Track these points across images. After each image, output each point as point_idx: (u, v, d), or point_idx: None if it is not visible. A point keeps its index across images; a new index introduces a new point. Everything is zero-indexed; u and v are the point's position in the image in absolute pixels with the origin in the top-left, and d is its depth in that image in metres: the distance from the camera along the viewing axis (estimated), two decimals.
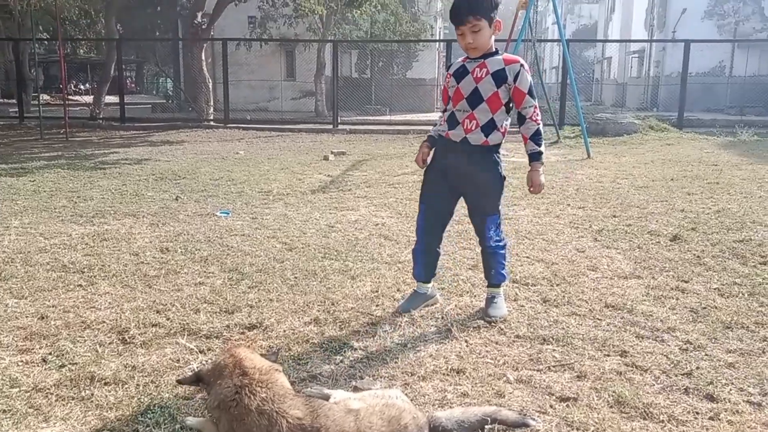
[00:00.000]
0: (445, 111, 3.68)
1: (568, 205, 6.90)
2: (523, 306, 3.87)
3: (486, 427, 2.45)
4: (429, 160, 3.72)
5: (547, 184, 8.06)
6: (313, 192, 7.83)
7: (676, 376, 2.96)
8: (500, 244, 3.70)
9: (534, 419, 2.55)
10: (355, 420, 2.18)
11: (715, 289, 4.14)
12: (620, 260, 4.82)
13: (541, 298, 3.99)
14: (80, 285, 4.24)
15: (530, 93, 3.47)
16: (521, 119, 3.53)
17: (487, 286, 3.82)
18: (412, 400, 2.73)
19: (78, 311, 3.77)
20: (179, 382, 2.55)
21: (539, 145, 3.52)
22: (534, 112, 3.49)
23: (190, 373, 2.42)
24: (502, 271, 3.76)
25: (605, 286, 4.21)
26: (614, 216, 6.31)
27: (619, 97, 25.97)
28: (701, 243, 5.22)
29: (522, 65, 3.46)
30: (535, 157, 3.55)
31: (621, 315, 3.71)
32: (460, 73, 3.54)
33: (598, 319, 3.66)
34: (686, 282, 4.28)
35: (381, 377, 2.97)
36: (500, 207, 3.65)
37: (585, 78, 29.93)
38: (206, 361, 2.53)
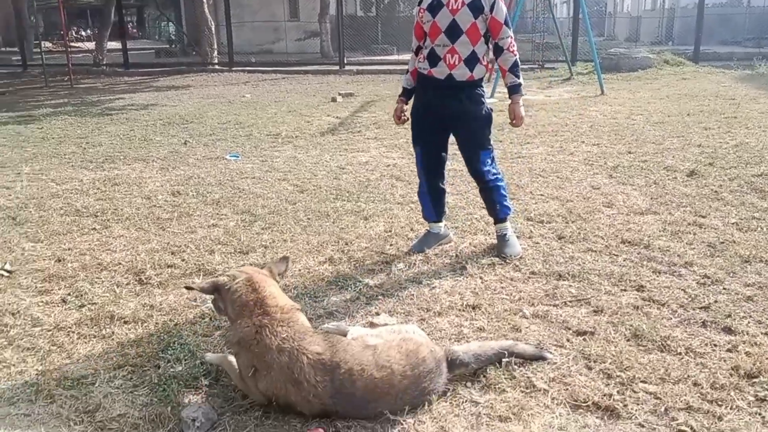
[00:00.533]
0: (419, 48, 3.60)
1: (582, 142, 6.79)
2: (538, 243, 3.85)
3: (503, 360, 2.47)
4: (407, 114, 3.74)
5: (560, 122, 8.01)
6: (322, 134, 7.74)
7: (694, 309, 2.95)
8: (498, 176, 3.68)
9: (550, 352, 2.56)
10: (373, 354, 2.19)
11: (733, 223, 4.09)
12: (636, 196, 4.76)
13: (556, 235, 3.96)
14: (94, 228, 4.25)
15: (506, 23, 3.43)
16: (498, 50, 3.47)
17: (495, 223, 3.77)
18: (428, 335, 2.75)
19: (94, 254, 3.79)
20: (188, 288, 2.52)
21: (518, 77, 3.51)
22: (511, 42, 3.45)
23: (207, 284, 2.38)
24: (506, 203, 3.73)
25: (621, 222, 4.17)
26: (629, 152, 6.20)
27: (633, 31, 25.20)
28: (719, 178, 5.14)
29: None
30: (515, 90, 3.54)
31: (637, 250, 3.68)
32: (434, 6, 3.44)
33: (614, 254, 3.64)
34: (704, 217, 4.23)
35: (397, 313, 2.98)
36: (491, 141, 3.64)
37: (597, 12, 29.02)
38: (225, 272, 2.50)
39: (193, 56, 19.68)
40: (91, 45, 23.08)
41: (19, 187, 5.30)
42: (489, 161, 3.62)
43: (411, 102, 3.73)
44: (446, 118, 3.57)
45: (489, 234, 3.99)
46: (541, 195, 4.86)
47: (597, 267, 3.46)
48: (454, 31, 3.39)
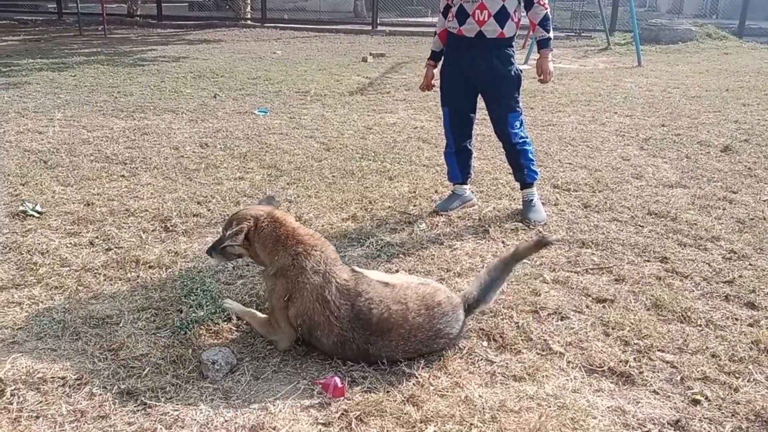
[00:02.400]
0: (447, 8, 3.55)
1: (615, 113, 6.65)
2: (563, 210, 3.81)
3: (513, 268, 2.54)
4: (434, 81, 3.74)
5: (593, 92, 7.84)
6: (351, 94, 7.69)
7: (717, 283, 2.91)
8: (526, 140, 3.64)
9: (552, 236, 3.13)
10: (391, 291, 2.29)
11: (764, 200, 4.00)
12: (666, 169, 4.67)
13: (582, 204, 3.92)
14: (123, 175, 4.31)
15: None
16: (528, 3, 3.45)
17: (521, 188, 3.74)
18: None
19: (122, 200, 3.85)
20: (215, 252, 2.51)
21: (548, 31, 3.47)
22: None
23: (237, 238, 2.36)
24: (534, 168, 3.70)
25: (649, 194, 4.10)
26: (663, 125, 6.06)
27: (676, 2, 24.40)
28: (753, 155, 5.01)
29: None
30: (544, 44, 3.51)
31: (664, 223, 3.63)
32: None
33: (639, 225, 3.59)
34: (735, 193, 4.14)
35: (417, 272, 2.99)
36: (520, 104, 3.59)
37: None
38: (234, 217, 2.52)
39: (226, 11, 19.58)
40: None
41: (51, 132, 5.39)
42: (518, 124, 3.58)
43: (440, 64, 3.69)
44: (475, 79, 3.53)
45: (514, 199, 3.96)
46: (570, 163, 4.80)
47: (621, 237, 3.42)
48: None
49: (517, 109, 3.58)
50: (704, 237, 3.42)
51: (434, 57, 3.74)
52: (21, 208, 3.59)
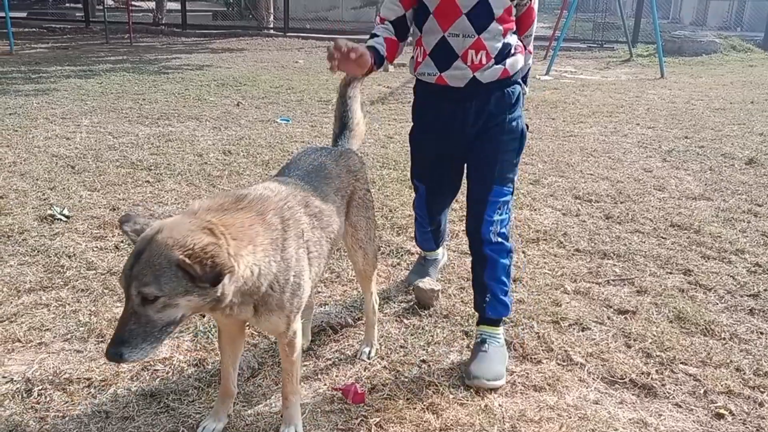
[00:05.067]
0: (400, 25, 2.32)
1: (637, 124, 6.60)
2: (584, 221, 3.80)
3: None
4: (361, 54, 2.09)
5: (615, 103, 7.80)
6: (372, 103, 7.73)
7: (742, 296, 2.88)
8: (504, 244, 2.36)
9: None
10: None
11: None
12: (690, 181, 4.63)
13: (603, 215, 3.90)
14: (147, 181, 4.38)
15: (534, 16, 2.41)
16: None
17: (477, 323, 2.45)
18: (467, 304, 2.77)
19: (146, 205, 3.91)
20: None
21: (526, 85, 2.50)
22: (530, 44, 2.45)
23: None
24: (503, 297, 2.38)
25: (672, 206, 4.07)
26: (686, 137, 6.01)
27: (701, 14, 24.20)
28: None
29: None
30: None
31: (687, 235, 3.60)
32: None
33: (662, 237, 3.56)
34: (760, 206, 4.09)
35: (437, 280, 2.99)
36: (516, 175, 2.46)
37: None
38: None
39: (249, 20, 19.82)
40: (151, 4, 23.46)
41: (78, 138, 5.49)
42: (499, 206, 2.34)
43: (414, 114, 2.56)
44: (464, 142, 2.40)
45: (535, 210, 3.95)
46: (591, 174, 4.77)
47: (644, 248, 3.39)
48: (481, 15, 2.21)
49: (508, 183, 2.38)
50: (728, 250, 3.38)
51: (375, 53, 2.22)
52: (49, 212, 3.67)
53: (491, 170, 2.35)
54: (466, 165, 2.50)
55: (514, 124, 2.36)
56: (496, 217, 2.33)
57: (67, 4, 27.07)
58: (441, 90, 2.32)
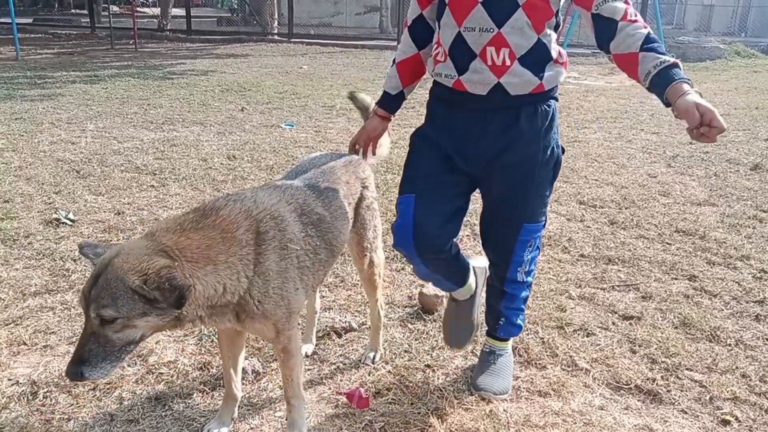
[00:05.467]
0: (421, 26, 2.02)
1: (642, 130, 6.60)
2: (589, 227, 3.79)
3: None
4: (384, 144, 2.23)
5: (620, 108, 7.80)
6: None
7: (747, 303, 2.87)
8: (528, 280, 2.16)
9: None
10: None
11: None
12: (694, 187, 4.62)
13: (608, 220, 3.90)
14: (152, 185, 4.39)
15: None
16: (604, 28, 1.81)
17: (486, 334, 2.32)
18: None
19: (151, 209, 3.92)
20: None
21: (663, 54, 1.76)
22: (628, 5, 1.82)
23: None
24: (518, 321, 2.25)
25: (677, 212, 4.06)
26: (690, 143, 6.00)
27: (705, 20, 24.19)
28: None
29: None
30: (672, 74, 1.73)
31: (692, 241, 3.59)
32: None
33: (667, 243, 3.56)
34: (765, 212, 4.08)
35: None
36: (548, 208, 2.13)
37: None
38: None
39: (253, 26, 19.90)
40: (156, 10, 23.59)
41: (83, 143, 5.51)
42: (530, 245, 2.06)
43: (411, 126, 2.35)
44: (479, 166, 1.97)
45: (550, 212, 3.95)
46: (596, 180, 4.77)
47: (648, 254, 3.39)
48: (502, 1, 1.80)
49: (541, 217, 2.06)
50: (734, 256, 3.37)
51: (387, 103, 2.15)
52: (54, 215, 3.68)
53: (520, 210, 2.00)
54: (481, 191, 2.08)
55: (549, 151, 1.95)
56: (526, 257, 2.07)
57: (73, 11, 27.24)
58: (460, 97, 1.92)
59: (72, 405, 2.09)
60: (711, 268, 3.24)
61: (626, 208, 4.12)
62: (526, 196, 1.99)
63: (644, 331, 2.60)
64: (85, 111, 6.96)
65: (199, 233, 1.62)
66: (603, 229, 3.75)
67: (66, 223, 3.62)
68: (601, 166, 5.16)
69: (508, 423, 2.05)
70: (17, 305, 2.72)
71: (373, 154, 2.26)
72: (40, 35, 17.10)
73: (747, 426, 2.05)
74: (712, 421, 2.08)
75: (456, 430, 2.01)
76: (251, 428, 2.02)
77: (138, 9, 21.00)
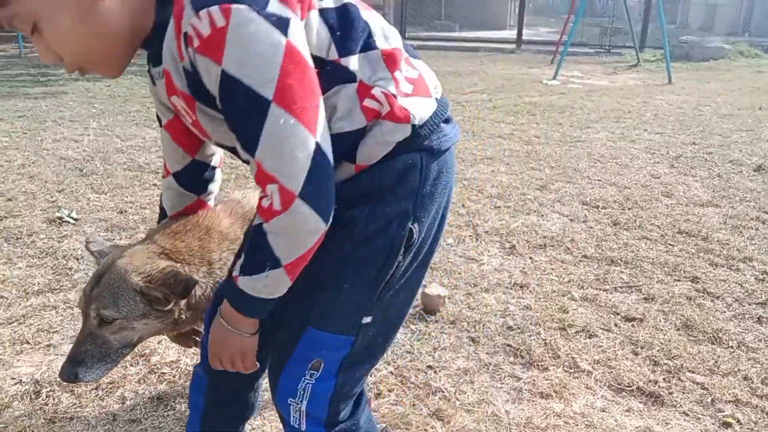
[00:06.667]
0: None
1: (645, 130, 6.59)
2: (592, 227, 3.79)
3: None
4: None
5: (623, 108, 7.79)
6: None
7: (750, 305, 2.87)
8: None
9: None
10: None
11: None
12: (697, 188, 4.61)
13: (611, 221, 3.89)
14: (155, 184, 4.40)
15: None
16: None
17: None
18: (473, 309, 2.77)
19: (154, 208, 3.93)
20: None
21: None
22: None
23: None
24: None
25: (680, 213, 4.06)
26: (694, 143, 6.00)
27: (708, 19, 24.14)
28: None
29: None
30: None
31: (695, 242, 3.58)
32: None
33: (670, 244, 3.55)
34: None
35: (444, 285, 2.99)
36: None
37: None
38: None
39: None
40: None
41: (86, 141, 5.52)
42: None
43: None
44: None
45: (542, 215, 3.95)
46: (599, 180, 4.77)
47: (651, 255, 3.39)
48: None
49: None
50: (736, 257, 3.37)
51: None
52: (57, 214, 3.69)
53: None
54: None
55: None
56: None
57: None
58: (447, 156, 1.32)
59: (75, 405, 2.10)
60: (714, 269, 3.23)
61: (629, 209, 4.12)
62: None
63: (646, 332, 2.60)
64: (88, 109, 6.97)
65: (188, 235, 1.60)
66: (606, 230, 3.75)
67: (69, 222, 3.62)
68: (604, 167, 5.15)
69: (509, 425, 2.05)
70: (20, 304, 2.72)
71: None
72: None
73: (748, 428, 2.05)
74: (713, 424, 2.08)
75: (458, 431, 2.01)
76: (252, 429, 2.02)
77: None
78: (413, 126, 1.18)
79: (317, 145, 1.06)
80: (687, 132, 6.50)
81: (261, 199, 1.11)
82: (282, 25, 1.04)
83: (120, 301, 1.46)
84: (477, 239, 3.61)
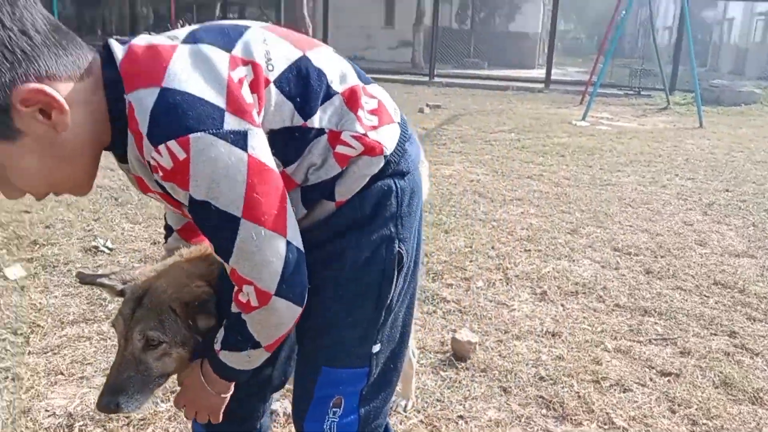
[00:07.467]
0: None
1: (676, 175, 6.53)
2: (624, 275, 3.74)
3: None
4: None
5: (653, 152, 7.74)
6: None
7: None
8: None
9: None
10: None
11: None
12: (732, 237, 4.54)
13: (644, 269, 3.84)
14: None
15: None
16: None
17: None
18: (505, 358, 2.74)
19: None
20: None
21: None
22: None
23: None
24: None
25: (714, 263, 3.99)
26: (727, 190, 5.92)
27: (739, 63, 24.04)
28: None
29: None
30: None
31: (731, 294, 3.51)
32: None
33: (705, 296, 3.49)
34: None
35: (474, 331, 2.97)
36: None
37: (701, 41, 27.84)
38: None
39: None
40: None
41: (120, 171, 5.63)
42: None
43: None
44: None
45: (573, 260, 3.91)
46: (630, 226, 4.72)
47: (686, 306, 3.32)
48: None
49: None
50: None
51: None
52: (93, 243, 3.75)
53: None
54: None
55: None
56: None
57: (117, 37, 28.04)
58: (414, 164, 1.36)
59: None
60: (752, 324, 3.16)
61: (662, 257, 4.06)
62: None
63: (683, 389, 2.54)
64: None
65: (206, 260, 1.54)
66: (638, 278, 3.69)
67: (104, 251, 3.68)
68: (635, 212, 5.10)
69: None
70: (55, 333, 2.76)
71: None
72: None
73: None
74: None
75: None
76: None
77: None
78: (385, 156, 1.22)
79: (287, 243, 1.11)
80: (719, 178, 6.43)
81: (237, 293, 1.15)
82: (240, 140, 1.05)
83: (165, 323, 1.40)
84: (507, 283, 3.58)
